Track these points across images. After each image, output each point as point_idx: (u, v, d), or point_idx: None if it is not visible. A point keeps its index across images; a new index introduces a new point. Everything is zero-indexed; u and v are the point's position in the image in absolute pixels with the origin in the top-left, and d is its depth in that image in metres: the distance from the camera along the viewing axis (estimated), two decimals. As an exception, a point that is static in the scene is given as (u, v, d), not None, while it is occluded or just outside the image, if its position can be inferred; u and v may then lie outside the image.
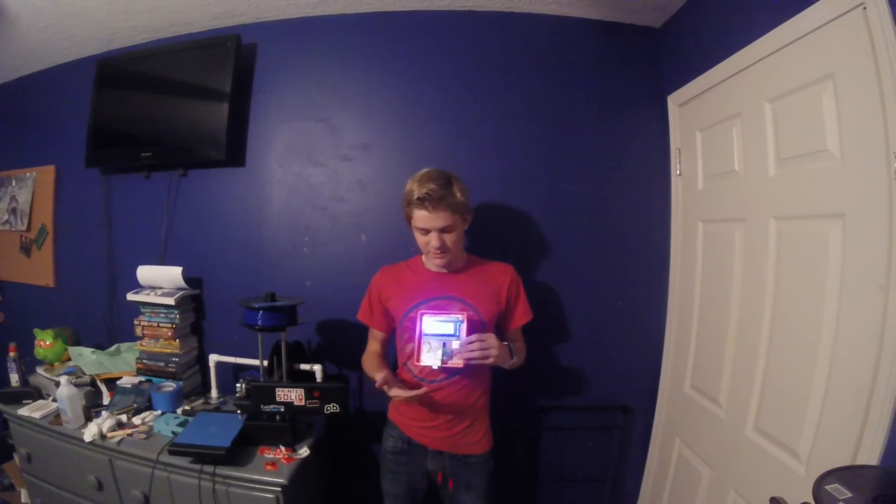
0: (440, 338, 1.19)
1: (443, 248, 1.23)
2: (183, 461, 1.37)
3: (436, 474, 1.34)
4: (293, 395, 1.39)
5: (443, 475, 1.33)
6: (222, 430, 1.43)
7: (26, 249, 2.23)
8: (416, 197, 1.18)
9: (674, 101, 1.67)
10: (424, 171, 1.26)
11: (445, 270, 1.33)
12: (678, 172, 1.66)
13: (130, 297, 1.80)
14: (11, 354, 1.81)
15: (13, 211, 2.25)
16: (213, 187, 1.88)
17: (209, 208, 1.89)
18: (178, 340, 1.79)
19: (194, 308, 1.88)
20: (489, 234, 1.67)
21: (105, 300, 2.04)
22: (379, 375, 1.18)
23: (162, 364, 1.78)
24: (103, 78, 1.92)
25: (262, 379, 1.57)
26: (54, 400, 1.62)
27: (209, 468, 1.34)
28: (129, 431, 1.49)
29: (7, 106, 2.27)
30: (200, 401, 1.76)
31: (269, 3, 1.70)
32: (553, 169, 1.72)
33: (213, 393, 1.78)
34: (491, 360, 1.17)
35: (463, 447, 1.32)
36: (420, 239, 1.26)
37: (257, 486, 1.33)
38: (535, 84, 1.71)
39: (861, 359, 0.92)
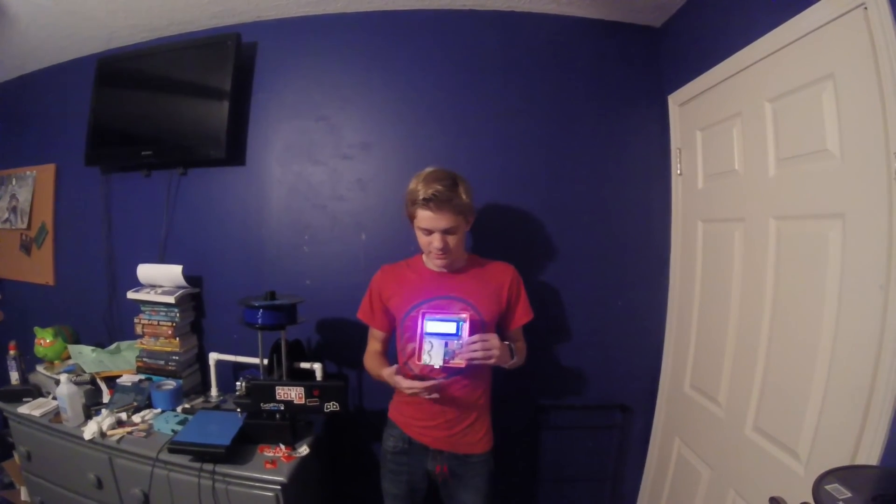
0: (442, 337, 1.19)
1: (445, 250, 1.22)
2: (183, 459, 1.37)
3: (434, 470, 1.33)
4: (293, 394, 1.39)
5: (440, 470, 1.33)
6: (222, 429, 1.43)
7: (26, 248, 2.24)
8: (421, 197, 1.17)
9: (674, 100, 1.66)
10: (429, 169, 1.24)
11: (446, 270, 1.32)
12: (678, 172, 1.66)
13: (130, 295, 1.81)
14: (11, 353, 1.81)
15: (13, 209, 2.25)
16: (213, 186, 1.88)
17: (209, 207, 1.89)
18: (177, 339, 1.79)
19: (194, 306, 1.88)
20: (489, 234, 1.67)
21: (105, 298, 2.04)
22: (388, 369, 1.20)
23: (162, 362, 1.79)
24: (103, 76, 1.92)
25: (261, 377, 1.57)
26: (54, 398, 1.62)
27: (209, 466, 1.34)
28: (128, 430, 1.49)
29: (7, 105, 2.27)
30: (200, 399, 1.76)
31: (269, 1, 1.70)
32: (553, 169, 1.72)
33: (213, 391, 1.78)
34: (493, 361, 1.17)
35: (463, 446, 1.32)
36: (422, 239, 1.25)
37: (257, 484, 1.33)
38: (535, 83, 1.71)
39: (861, 359, 0.92)
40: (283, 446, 1.42)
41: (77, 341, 2.02)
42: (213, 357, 1.74)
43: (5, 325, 2.22)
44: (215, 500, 1.35)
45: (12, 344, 1.83)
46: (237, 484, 1.34)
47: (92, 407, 1.62)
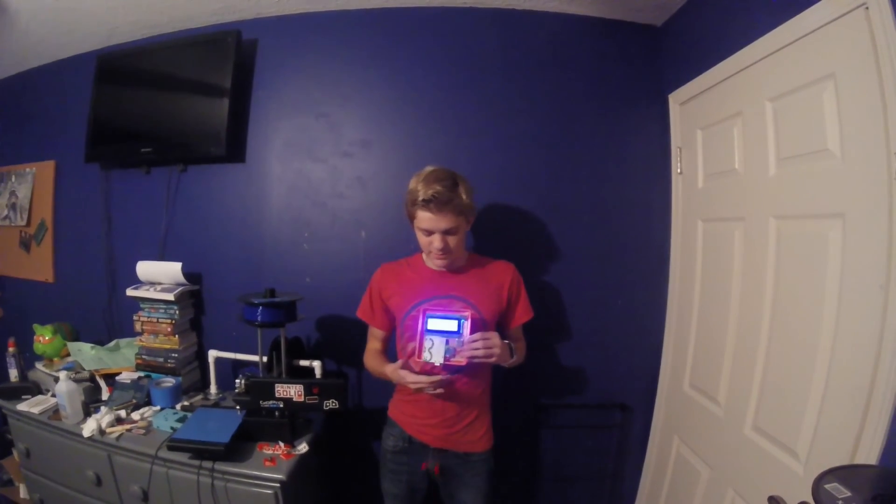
0: (443, 335, 1.18)
1: (446, 250, 1.22)
2: (182, 457, 1.37)
3: (433, 469, 1.33)
4: (292, 391, 1.39)
5: (439, 468, 1.32)
6: (221, 426, 1.43)
7: (26, 245, 2.23)
8: (421, 198, 1.16)
9: (675, 99, 1.66)
10: (430, 169, 1.23)
11: (446, 269, 1.32)
12: (678, 171, 1.66)
13: (130, 292, 1.81)
14: (10, 350, 1.81)
15: (13, 206, 2.24)
16: (213, 183, 1.88)
17: (209, 204, 1.89)
18: (177, 336, 1.79)
19: (194, 304, 1.88)
20: (489, 233, 1.67)
21: (104, 296, 2.04)
22: (392, 365, 1.21)
23: (161, 360, 1.79)
24: (103, 73, 1.91)
25: (261, 375, 1.57)
26: (53, 395, 1.62)
27: (208, 464, 1.34)
28: (127, 427, 1.49)
29: (7, 101, 2.27)
30: (199, 396, 1.76)
31: (269, -2, 1.70)
32: (553, 168, 1.71)
33: (213, 389, 1.78)
34: (494, 359, 1.18)
35: (464, 445, 1.32)
36: (422, 239, 1.25)
37: (256, 481, 1.33)
38: (535, 82, 1.71)
39: (860, 358, 0.92)
40: (282, 444, 1.43)
41: (76, 338, 2.02)
42: (213, 354, 1.73)
43: (4, 322, 2.22)
44: (214, 497, 1.35)
45: (11, 341, 1.83)
46: (236, 481, 1.34)
47: (91, 404, 1.62)
